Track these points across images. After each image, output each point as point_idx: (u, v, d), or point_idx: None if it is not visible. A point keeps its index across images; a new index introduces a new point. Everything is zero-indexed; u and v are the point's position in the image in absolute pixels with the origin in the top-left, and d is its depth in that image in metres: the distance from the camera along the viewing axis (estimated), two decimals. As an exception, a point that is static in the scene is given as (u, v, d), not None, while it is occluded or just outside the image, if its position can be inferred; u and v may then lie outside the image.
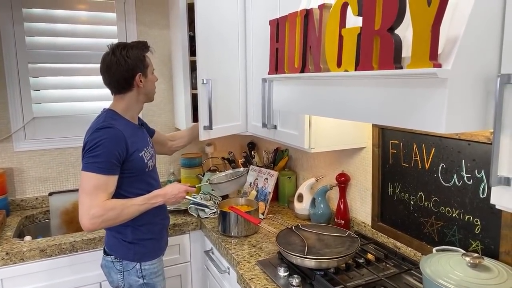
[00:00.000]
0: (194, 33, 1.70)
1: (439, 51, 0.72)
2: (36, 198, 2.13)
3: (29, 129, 2.10)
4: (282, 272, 1.31)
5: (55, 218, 2.05)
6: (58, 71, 2.13)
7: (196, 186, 1.78)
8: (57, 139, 2.16)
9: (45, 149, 2.14)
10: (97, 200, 1.27)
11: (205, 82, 1.67)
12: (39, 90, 2.12)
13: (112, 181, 1.32)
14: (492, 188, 0.77)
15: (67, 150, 2.19)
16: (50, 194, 2.07)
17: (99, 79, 2.20)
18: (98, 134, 1.31)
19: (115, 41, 2.18)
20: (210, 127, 1.70)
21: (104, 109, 1.46)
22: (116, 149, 1.32)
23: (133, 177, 1.41)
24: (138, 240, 1.45)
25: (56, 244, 1.65)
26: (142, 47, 1.44)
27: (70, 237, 1.72)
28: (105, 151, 1.29)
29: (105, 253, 1.49)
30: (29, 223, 2.04)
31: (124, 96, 1.44)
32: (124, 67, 1.38)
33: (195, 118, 2.03)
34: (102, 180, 1.29)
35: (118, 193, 1.37)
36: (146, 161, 1.45)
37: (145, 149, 1.47)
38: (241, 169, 2.01)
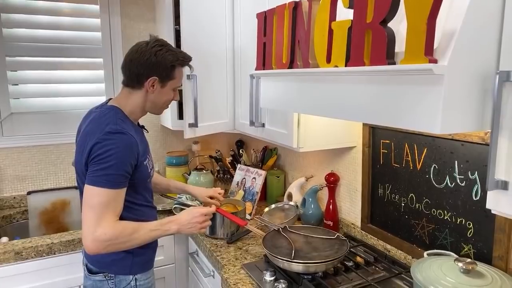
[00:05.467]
0: (180, 27, 1.63)
1: (435, 46, 0.68)
2: (14, 197, 2.04)
3: (6, 125, 2.00)
4: (268, 277, 1.25)
5: (34, 218, 1.97)
6: (38, 65, 2.04)
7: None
8: (37, 136, 2.07)
9: (24, 146, 2.05)
10: (105, 220, 1.11)
11: (190, 78, 1.61)
12: (17, 85, 2.02)
13: (121, 194, 1.17)
14: (488, 192, 0.73)
15: (48, 148, 2.10)
16: (29, 193, 1.98)
17: (81, 73, 2.16)
18: (110, 141, 1.12)
19: (99, 34, 2.13)
20: (195, 124, 1.64)
21: (107, 103, 1.29)
22: (129, 160, 1.16)
23: (129, 188, 1.21)
24: (139, 247, 1.24)
25: (32, 246, 1.57)
26: (179, 56, 1.27)
27: (48, 238, 1.64)
28: (117, 163, 1.12)
29: (91, 272, 1.28)
30: (6, 224, 1.95)
31: (132, 93, 1.27)
32: (144, 62, 1.22)
33: (181, 115, 1.96)
34: (111, 196, 1.13)
35: None
36: (149, 170, 1.30)
37: (148, 156, 1.31)
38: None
